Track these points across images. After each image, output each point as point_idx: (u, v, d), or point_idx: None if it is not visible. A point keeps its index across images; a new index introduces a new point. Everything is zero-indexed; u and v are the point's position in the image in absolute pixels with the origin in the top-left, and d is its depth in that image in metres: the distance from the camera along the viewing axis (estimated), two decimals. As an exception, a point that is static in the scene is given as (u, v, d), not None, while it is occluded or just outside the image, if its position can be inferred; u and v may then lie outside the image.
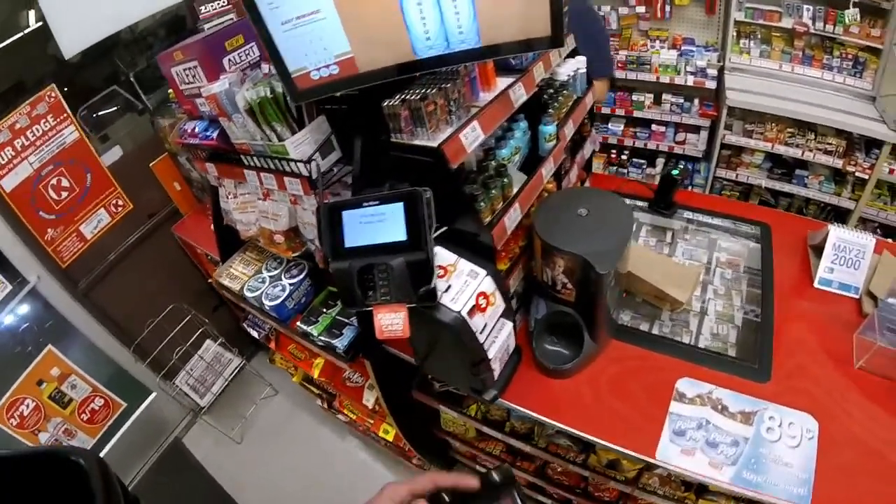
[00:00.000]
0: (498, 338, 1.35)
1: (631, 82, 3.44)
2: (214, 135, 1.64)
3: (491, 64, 1.37)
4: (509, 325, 1.38)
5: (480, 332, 1.26)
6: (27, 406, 2.41)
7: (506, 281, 1.42)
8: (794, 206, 3.42)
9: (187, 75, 1.69)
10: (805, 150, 3.14)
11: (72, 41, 2.16)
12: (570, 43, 1.75)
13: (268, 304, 1.92)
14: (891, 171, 3.09)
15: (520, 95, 1.40)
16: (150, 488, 2.85)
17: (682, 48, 3.26)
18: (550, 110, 1.60)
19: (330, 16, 1.09)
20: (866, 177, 3.13)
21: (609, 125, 3.71)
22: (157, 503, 2.76)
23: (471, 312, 1.22)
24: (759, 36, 3.20)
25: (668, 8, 3.23)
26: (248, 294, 1.99)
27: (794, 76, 3.25)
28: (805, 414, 1.34)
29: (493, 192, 1.32)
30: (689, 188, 3.60)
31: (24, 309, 2.42)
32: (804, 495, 1.21)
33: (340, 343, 1.74)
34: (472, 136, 1.21)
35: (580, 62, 1.81)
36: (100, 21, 2.22)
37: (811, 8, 2.99)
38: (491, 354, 1.32)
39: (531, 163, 1.57)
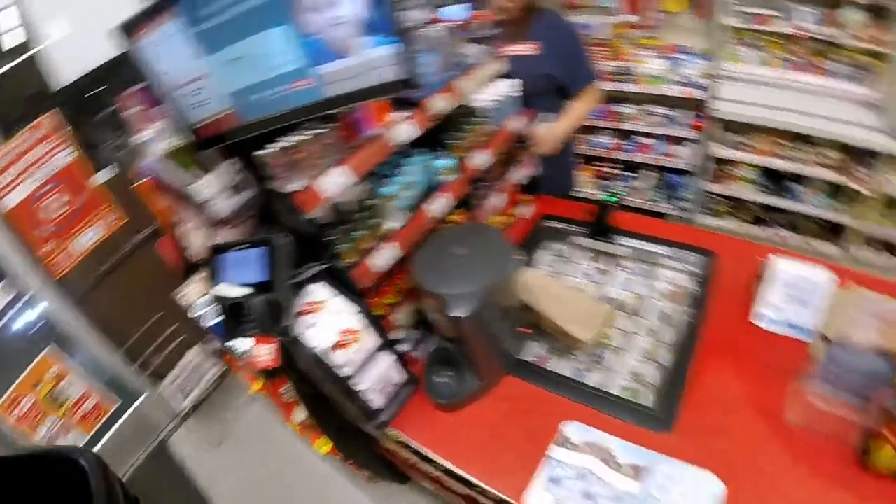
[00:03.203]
0: (373, 371, 1.39)
1: (619, 94, 3.32)
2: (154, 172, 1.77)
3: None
4: (388, 358, 1.42)
5: (343, 367, 1.31)
6: (25, 404, 2.65)
7: (388, 316, 1.45)
8: (788, 223, 3.20)
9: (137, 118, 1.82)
10: (801, 163, 2.93)
11: (68, 69, 2.43)
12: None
13: (210, 323, 2.03)
14: (900, 186, 2.82)
15: (403, 132, 1.41)
16: (137, 486, 3.07)
17: (673, 57, 3.11)
18: (457, 141, 1.60)
19: (209, 79, 1.19)
20: (868, 191, 2.89)
21: (596, 137, 3.61)
22: (143, 500, 2.98)
23: (332, 349, 1.29)
24: (754, 42, 3.00)
25: (659, 15, 3.09)
26: (196, 312, 2.10)
27: (791, 84, 3.03)
28: (709, 473, 1.20)
29: (361, 232, 1.36)
30: (680, 203, 3.44)
31: (23, 316, 2.67)
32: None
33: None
34: (333, 182, 1.25)
35: (509, 86, 1.79)
36: (94, 50, 2.44)
37: (808, 10, 2.77)
38: (362, 387, 1.37)
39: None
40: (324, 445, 2.09)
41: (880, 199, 2.90)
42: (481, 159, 1.63)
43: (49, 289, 2.68)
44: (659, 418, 1.36)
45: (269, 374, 1.72)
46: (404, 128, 1.42)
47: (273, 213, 1.40)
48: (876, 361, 1.21)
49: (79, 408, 2.86)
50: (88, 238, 2.76)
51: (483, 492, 1.39)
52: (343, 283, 1.38)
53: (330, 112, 1.21)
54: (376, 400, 1.44)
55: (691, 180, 3.36)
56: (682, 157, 3.28)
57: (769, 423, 1.32)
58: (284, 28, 1.04)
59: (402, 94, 1.46)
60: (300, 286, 1.35)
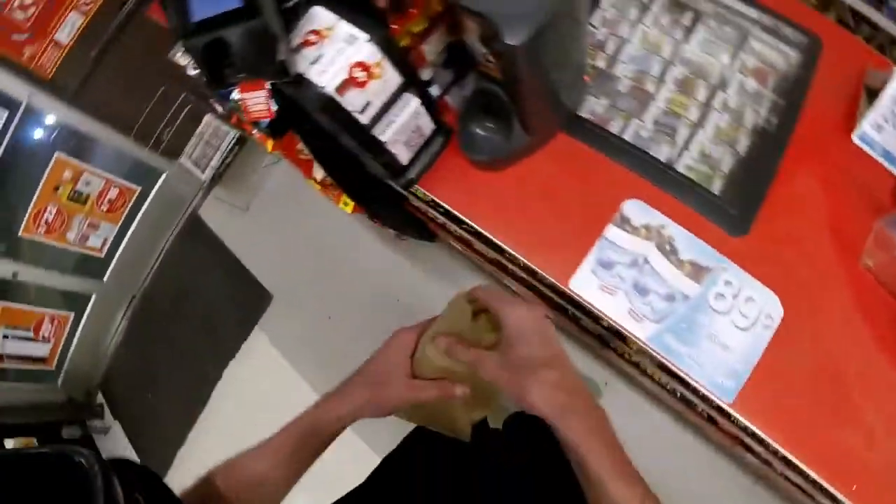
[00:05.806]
0: (397, 118, 1.13)
1: None
2: None
3: None
4: (415, 101, 1.15)
5: (361, 112, 1.06)
6: (50, 213, 2.68)
7: (414, 48, 1.15)
8: (874, 41, 2.56)
9: None
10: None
11: None
12: None
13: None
14: None
15: None
16: (173, 261, 3.19)
17: None
18: None
19: None
20: None
21: None
22: (181, 274, 3.10)
23: (341, 88, 1.01)
24: None
25: None
26: (192, 72, 1.80)
27: None
28: (772, 294, 1.06)
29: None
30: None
31: (24, 128, 2.54)
32: (730, 388, 0.99)
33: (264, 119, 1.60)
34: None
35: None
36: None
37: None
38: (385, 137, 1.14)
39: None
40: (348, 204, 1.94)
41: None
42: None
43: (43, 93, 2.52)
44: (732, 216, 1.15)
45: (275, 130, 1.49)
46: None
47: None
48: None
49: (102, 200, 2.84)
50: (69, 29, 2.52)
51: (512, 259, 1.25)
52: (353, 2, 1.06)
53: None
54: (402, 154, 1.22)
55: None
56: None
57: (844, 262, 1.12)
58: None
59: None
60: (296, 10, 1.03)
